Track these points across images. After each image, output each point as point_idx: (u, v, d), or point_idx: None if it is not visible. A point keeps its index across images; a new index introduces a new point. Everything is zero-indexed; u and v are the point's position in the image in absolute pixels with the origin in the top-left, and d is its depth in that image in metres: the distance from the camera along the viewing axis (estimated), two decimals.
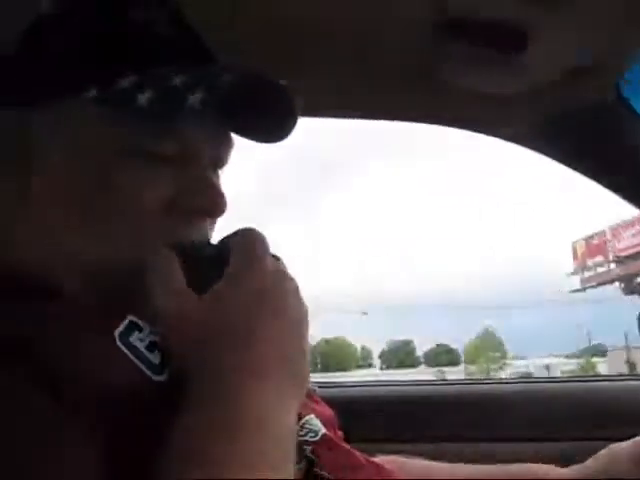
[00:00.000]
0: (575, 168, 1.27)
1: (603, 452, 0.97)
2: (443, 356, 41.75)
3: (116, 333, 0.57)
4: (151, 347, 0.59)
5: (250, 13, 0.95)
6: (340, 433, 0.79)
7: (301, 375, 0.58)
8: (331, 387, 1.57)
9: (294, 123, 0.66)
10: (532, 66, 1.04)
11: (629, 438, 0.97)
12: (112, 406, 0.51)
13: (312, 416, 0.72)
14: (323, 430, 0.70)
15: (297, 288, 0.60)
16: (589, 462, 0.96)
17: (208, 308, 0.56)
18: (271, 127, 0.67)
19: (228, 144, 0.67)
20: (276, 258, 0.60)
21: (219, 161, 0.67)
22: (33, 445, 0.47)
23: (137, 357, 0.58)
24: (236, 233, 0.60)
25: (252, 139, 0.69)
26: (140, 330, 0.59)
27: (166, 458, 0.49)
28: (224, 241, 0.60)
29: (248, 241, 0.59)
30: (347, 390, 1.57)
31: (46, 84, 0.61)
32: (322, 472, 0.64)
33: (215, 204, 0.64)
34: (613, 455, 0.96)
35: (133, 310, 0.60)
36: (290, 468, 0.52)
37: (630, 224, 28.19)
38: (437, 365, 37.35)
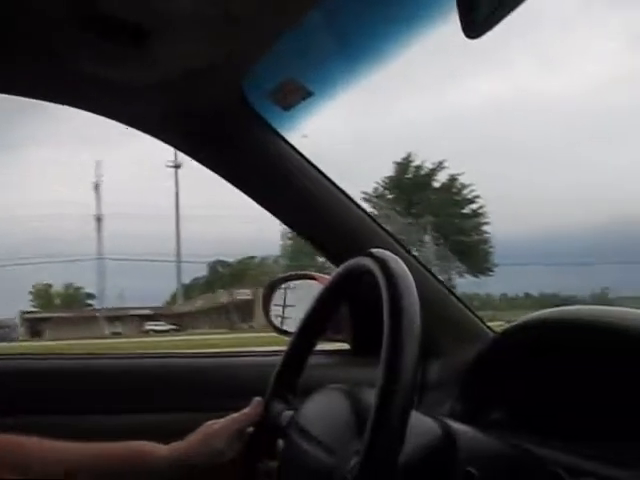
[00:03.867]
0: (204, 163, 1.31)
1: (201, 428, 1.03)
2: None
3: None
4: None
5: None
6: None
7: None
8: None
9: None
10: (155, 61, 1.08)
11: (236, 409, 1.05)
12: None
13: None
14: None
15: None
16: (189, 437, 1.02)
17: None
18: None
19: None
20: None
21: None
22: None
23: None
24: None
25: None
26: None
27: None
28: None
29: None
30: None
31: None
32: None
33: None
34: (209, 431, 1.03)
35: None
36: None
37: None
38: None
